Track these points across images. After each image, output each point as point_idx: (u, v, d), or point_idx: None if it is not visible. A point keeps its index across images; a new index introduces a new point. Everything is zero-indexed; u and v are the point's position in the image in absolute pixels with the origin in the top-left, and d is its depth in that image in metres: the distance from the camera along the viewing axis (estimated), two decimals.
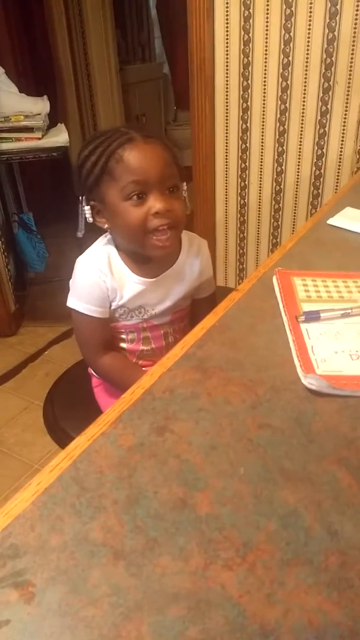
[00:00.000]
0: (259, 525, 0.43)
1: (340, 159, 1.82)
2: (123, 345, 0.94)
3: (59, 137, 2.14)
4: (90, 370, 1.04)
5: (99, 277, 0.86)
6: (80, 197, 0.86)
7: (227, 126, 1.95)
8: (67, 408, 1.06)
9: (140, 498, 0.46)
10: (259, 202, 2.04)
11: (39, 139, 2.10)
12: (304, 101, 1.79)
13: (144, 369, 0.96)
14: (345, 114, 1.75)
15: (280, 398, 0.57)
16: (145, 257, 0.87)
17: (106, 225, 0.86)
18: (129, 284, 0.88)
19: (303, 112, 1.80)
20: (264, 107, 1.85)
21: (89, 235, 0.92)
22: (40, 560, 0.40)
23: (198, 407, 0.56)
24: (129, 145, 0.78)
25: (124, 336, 0.94)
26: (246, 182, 2.02)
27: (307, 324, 0.69)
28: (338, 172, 1.84)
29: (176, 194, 0.82)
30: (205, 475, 0.48)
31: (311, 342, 0.65)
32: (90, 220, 0.86)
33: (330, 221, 1.04)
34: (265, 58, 1.77)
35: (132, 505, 0.45)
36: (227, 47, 1.81)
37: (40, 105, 2.14)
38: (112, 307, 0.90)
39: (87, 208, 0.85)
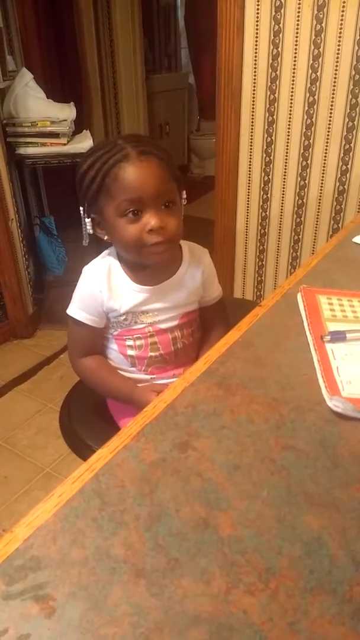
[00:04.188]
0: (282, 550, 0.43)
1: None
2: (131, 352, 0.95)
3: (84, 143, 2.16)
4: None
5: (96, 288, 0.90)
6: (81, 208, 0.89)
7: (251, 138, 1.95)
8: (84, 414, 1.06)
9: (162, 515, 0.45)
10: (281, 215, 2.03)
11: (64, 144, 2.13)
12: (330, 116, 1.78)
13: (165, 380, 0.96)
14: None
15: (305, 419, 0.57)
16: (146, 267, 0.90)
17: (106, 237, 0.89)
18: (129, 293, 0.91)
19: (329, 128, 1.80)
20: (289, 121, 1.85)
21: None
22: (61, 574, 0.40)
23: (221, 424, 0.56)
24: (124, 164, 0.79)
25: (131, 343, 0.94)
26: (268, 195, 2.02)
27: (332, 344, 0.68)
28: None
29: (172, 209, 0.84)
30: (227, 495, 0.47)
31: (336, 363, 0.64)
32: (91, 232, 0.89)
33: (356, 239, 1.03)
34: (294, 72, 1.77)
35: (154, 522, 0.45)
36: (255, 60, 1.81)
37: (67, 112, 2.17)
38: (114, 315, 0.92)
39: (88, 220, 0.88)
